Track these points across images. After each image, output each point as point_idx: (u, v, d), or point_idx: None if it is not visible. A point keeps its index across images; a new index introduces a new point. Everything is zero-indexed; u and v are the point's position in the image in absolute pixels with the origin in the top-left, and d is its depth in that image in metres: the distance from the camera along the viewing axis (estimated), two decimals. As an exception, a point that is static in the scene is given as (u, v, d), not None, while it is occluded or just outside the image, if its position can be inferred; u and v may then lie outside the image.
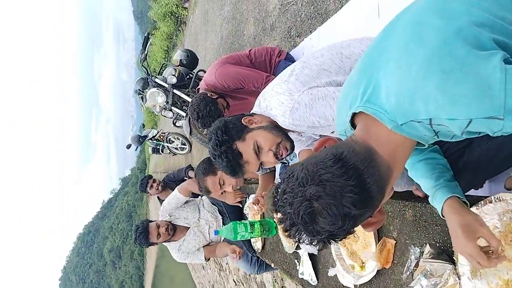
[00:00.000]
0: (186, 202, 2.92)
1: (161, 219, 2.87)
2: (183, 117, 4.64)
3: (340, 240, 0.81)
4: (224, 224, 2.91)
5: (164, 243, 2.87)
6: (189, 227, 2.88)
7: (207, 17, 7.48)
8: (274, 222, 2.44)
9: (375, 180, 0.79)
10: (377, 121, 0.82)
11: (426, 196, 1.12)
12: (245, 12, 4.95)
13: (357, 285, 1.50)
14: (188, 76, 4.46)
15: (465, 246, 0.94)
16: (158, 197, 4.87)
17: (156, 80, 4.54)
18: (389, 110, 0.79)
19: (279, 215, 0.82)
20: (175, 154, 8.01)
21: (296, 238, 0.80)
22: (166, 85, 4.49)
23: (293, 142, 1.56)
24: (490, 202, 1.05)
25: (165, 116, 5.09)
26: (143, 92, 4.81)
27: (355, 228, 0.82)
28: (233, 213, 2.96)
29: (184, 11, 10.70)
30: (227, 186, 2.36)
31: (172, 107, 4.68)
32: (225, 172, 1.52)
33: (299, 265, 2.00)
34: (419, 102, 0.73)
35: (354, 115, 0.90)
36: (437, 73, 0.70)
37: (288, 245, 2.15)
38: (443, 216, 1.03)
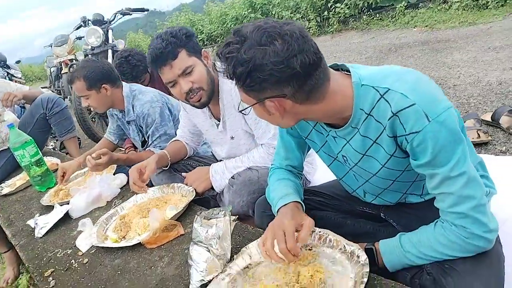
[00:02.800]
0: None
1: None
2: None
3: (248, 83, 0.93)
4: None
5: None
6: None
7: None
8: (54, 178, 2.45)
9: (315, 79, 0.94)
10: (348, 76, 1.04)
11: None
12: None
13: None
14: None
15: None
16: None
17: None
18: (363, 74, 1.01)
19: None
20: None
21: (227, 57, 0.93)
22: None
23: (207, 103, 1.70)
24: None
25: None
26: None
27: None
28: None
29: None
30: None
31: None
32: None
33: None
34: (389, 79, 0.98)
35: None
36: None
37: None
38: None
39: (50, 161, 2.82)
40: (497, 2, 5.78)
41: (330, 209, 1.46)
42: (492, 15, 5.55)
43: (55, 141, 4.57)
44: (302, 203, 1.27)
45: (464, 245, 0.97)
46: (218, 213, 1.23)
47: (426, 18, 6.48)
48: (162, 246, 1.47)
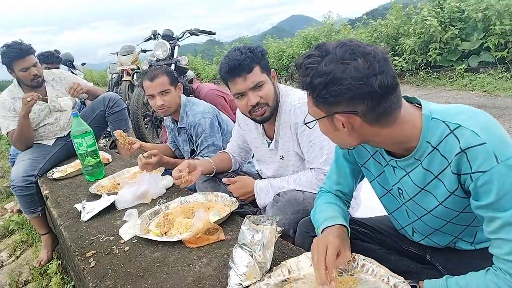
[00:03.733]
0: None
1: None
2: None
3: (323, 94, 0.96)
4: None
5: None
6: None
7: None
8: (103, 172, 2.61)
9: (389, 102, 0.97)
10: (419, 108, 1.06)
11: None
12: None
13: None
14: None
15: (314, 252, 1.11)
16: None
17: None
18: (434, 109, 1.03)
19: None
20: None
21: (307, 67, 0.97)
22: None
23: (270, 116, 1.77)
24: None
25: None
26: None
27: None
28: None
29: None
30: None
31: None
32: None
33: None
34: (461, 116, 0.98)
35: None
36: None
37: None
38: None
39: (103, 155, 2.95)
40: (563, 78, 5.61)
41: (374, 242, 1.44)
42: (556, 90, 5.38)
43: (107, 139, 4.79)
44: (348, 229, 1.26)
45: None
46: (266, 221, 1.25)
47: (486, 83, 6.36)
48: (202, 247, 1.50)
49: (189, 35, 4.83)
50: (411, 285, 1.08)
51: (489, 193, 0.92)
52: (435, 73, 7.56)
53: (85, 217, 1.93)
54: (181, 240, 1.53)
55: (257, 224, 1.22)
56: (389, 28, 8.68)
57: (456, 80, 6.97)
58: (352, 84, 0.92)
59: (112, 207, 2.02)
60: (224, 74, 1.70)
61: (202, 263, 1.39)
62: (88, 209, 1.98)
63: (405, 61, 7.93)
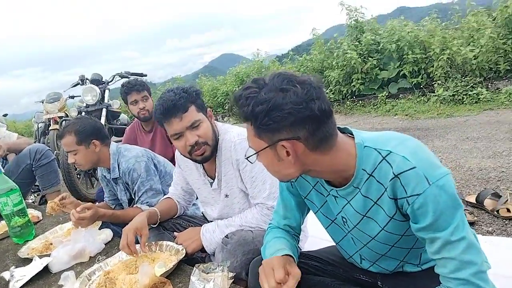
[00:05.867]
0: None
1: None
2: None
3: (265, 122, 0.96)
4: None
5: None
6: None
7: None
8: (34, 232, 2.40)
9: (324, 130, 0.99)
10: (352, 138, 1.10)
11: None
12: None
13: None
14: None
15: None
16: None
17: None
18: (365, 137, 1.08)
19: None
20: None
21: (246, 97, 0.98)
22: None
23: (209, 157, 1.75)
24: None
25: None
26: None
27: None
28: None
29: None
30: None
31: None
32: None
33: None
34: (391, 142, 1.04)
35: None
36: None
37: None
38: None
39: (31, 213, 2.71)
40: (471, 99, 6.23)
41: (326, 274, 1.43)
42: (467, 110, 5.94)
43: (35, 195, 4.43)
44: (295, 258, 1.26)
45: None
46: (216, 268, 1.20)
47: (406, 107, 6.89)
48: (150, 304, 1.40)
49: (120, 78, 4.73)
50: None
51: (426, 215, 0.96)
52: (360, 102, 8.06)
53: (14, 286, 1.73)
54: (126, 300, 1.42)
55: (208, 273, 1.18)
56: (314, 63, 9.20)
57: (380, 106, 7.47)
58: (293, 108, 0.94)
59: (45, 271, 1.83)
60: (159, 116, 1.66)
61: (151, 322, 1.30)
62: (18, 276, 1.78)
63: (332, 92, 8.38)
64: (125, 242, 1.68)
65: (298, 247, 1.79)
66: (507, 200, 2.46)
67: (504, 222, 2.37)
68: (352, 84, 8.08)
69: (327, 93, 8.26)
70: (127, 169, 2.31)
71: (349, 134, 1.12)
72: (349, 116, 7.69)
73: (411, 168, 0.96)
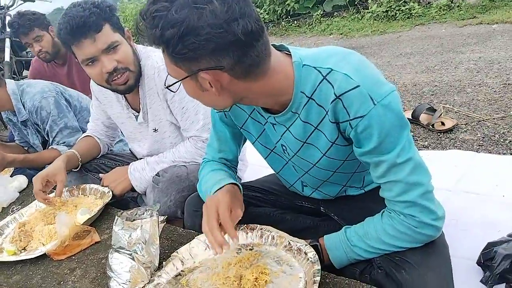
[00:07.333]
0: None
1: None
2: None
3: (179, 50, 0.77)
4: None
5: None
6: None
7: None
8: None
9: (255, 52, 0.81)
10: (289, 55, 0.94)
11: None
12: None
13: None
14: None
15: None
16: None
17: None
18: (304, 55, 0.93)
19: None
20: None
21: (153, 17, 0.77)
22: None
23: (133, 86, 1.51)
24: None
25: None
26: None
27: None
28: None
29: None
30: None
31: None
32: None
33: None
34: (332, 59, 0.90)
35: None
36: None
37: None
38: None
39: None
40: (404, 14, 6.25)
41: (267, 205, 1.35)
42: (400, 26, 5.98)
43: None
44: (240, 186, 1.16)
45: (414, 235, 0.92)
46: (143, 213, 1.05)
47: (341, 26, 6.80)
48: (73, 257, 1.25)
49: (23, 2, 4.06)
50: (312, 245, 1.02)
51: (371, 138, 0.87)
52: (295, 22, 7.82)
53: None
54: (45, 254, 1.25)
55: (133, 220, 1.02)
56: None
57: (315, 26, 7.31)
58: (211, 33, 0.75)
59: None
60: (65, 37, 1.35)
61: (75, 277, 1.16)
62: None
63: (266, 12, 8.03)
64: (36, 191, 1.48)
65: (238, 177, 1.69)
66: (441, 113, 2.51)
67: (439, 135, 2.44)
68: (286, 3, 7.76)
69: (260, 13, 7.92)
70: (33, 107, 1.98)
71: (286, 52, 0.95)
72: (285, 37, 7.48)
73: (354, 87, 0.84)
